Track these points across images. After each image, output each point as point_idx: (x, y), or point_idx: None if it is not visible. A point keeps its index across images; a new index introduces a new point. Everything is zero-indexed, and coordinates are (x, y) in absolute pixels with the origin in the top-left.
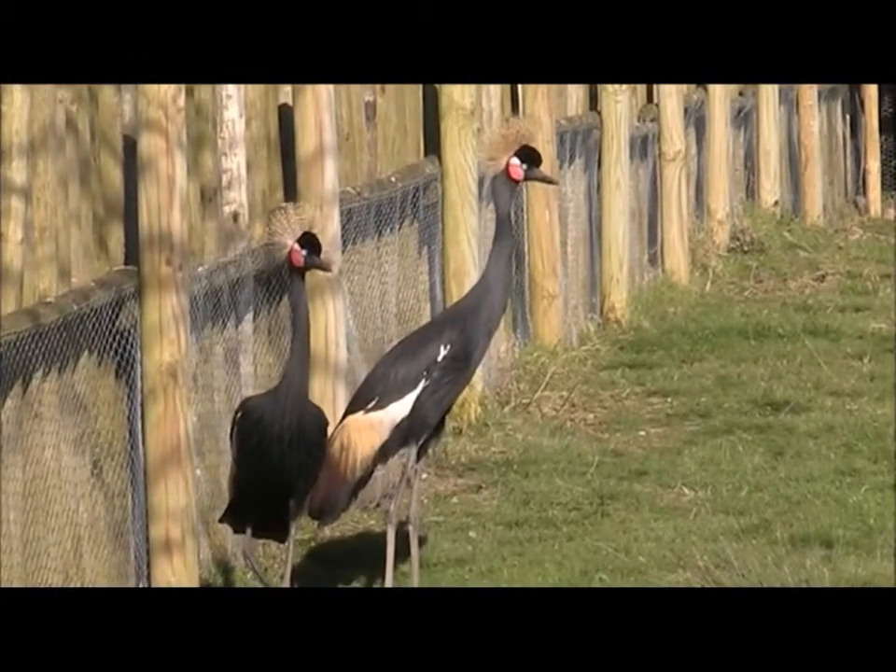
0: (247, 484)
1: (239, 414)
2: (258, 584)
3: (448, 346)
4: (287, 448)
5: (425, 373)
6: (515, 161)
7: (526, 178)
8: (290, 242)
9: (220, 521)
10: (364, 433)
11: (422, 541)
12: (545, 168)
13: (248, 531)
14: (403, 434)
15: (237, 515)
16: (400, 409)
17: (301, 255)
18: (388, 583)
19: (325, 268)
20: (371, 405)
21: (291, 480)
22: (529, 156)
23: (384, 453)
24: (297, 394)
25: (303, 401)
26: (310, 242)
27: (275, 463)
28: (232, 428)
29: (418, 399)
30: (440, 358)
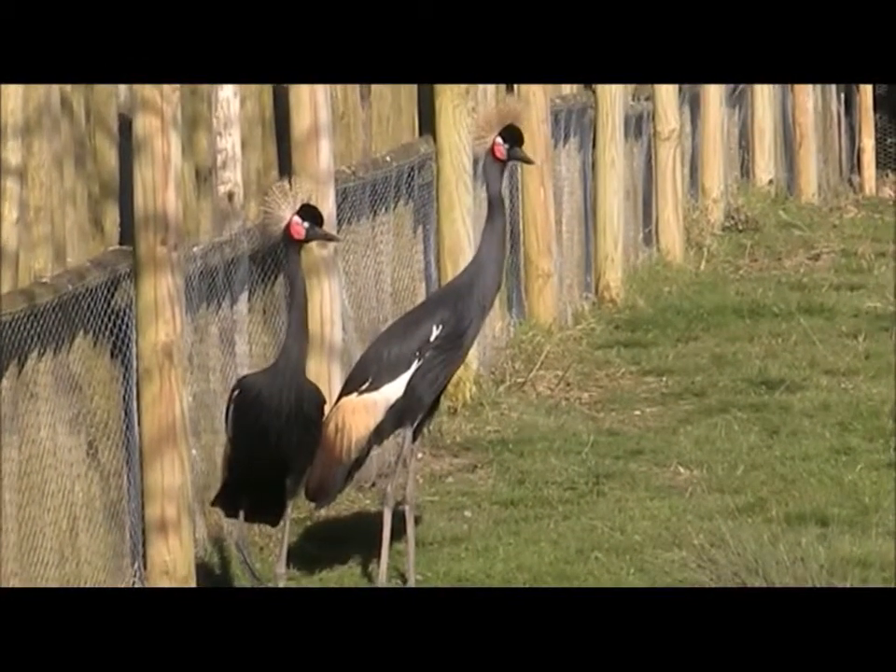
0: (243, 464)
1: (236, 392)
2: (248, 577)
3: (441, 326)
4: (286, 423)
5: (417, 354)
6: (499, 140)
7: (508, 158)
8: (289, 214)
9: (212, 504)
10: (358, 415)
11: (417, 521)
12: (539, 146)
13: (241, 515)
14: (398, 415)
15: (230, 498)
16: (394, 390)
17: (302, 227)
18: (384, 564)
19: (330, 238)
20: (364, 386)
21: (289, 456)
22: (511, 135)
23: (378, 434)
24: (295, 369)
25: (302, 377)
26: (311, 213)
27: (273, 439)
28: (228, 407)
29: (412, 379)
30: (432, 339)
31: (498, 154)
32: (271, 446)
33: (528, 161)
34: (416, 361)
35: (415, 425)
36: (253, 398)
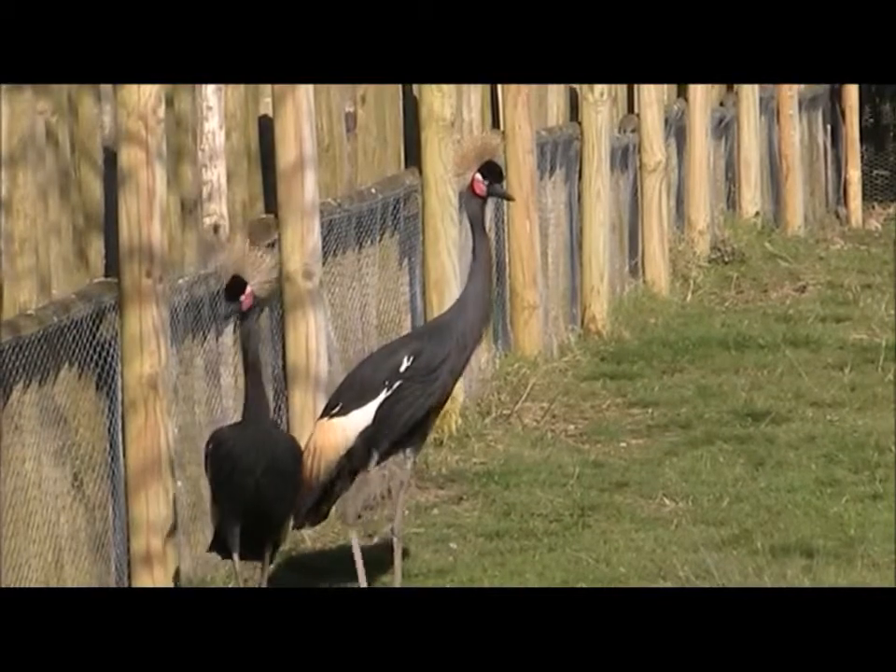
0: (227, 512)
1: (210, 446)
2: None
3: (411, 358)
4: (261, 479)
5: (387, 383)
6: (478, 176)
7: (488, 194)
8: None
9: (209, 551)
10: (328, 437)
11: (404, 552)
12: (524, 178)
13: (235, 557)
14: (367, 442)
15: (222, 543)
16: (363, 417)
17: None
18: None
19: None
20: (335, 410)
21: (268, 509)
22: (491, 171)
23: (350, 459)
24: (263, 427)
25: (272, 432)
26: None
27: (249, 493)
28: (206, 459)
29: (380, 408)
30: (402, 369)
31: (478, 190)
32: (247, 500)
33: (509, 198)
34: (385, 391)
35: (386, 453)
36: (225, 454)
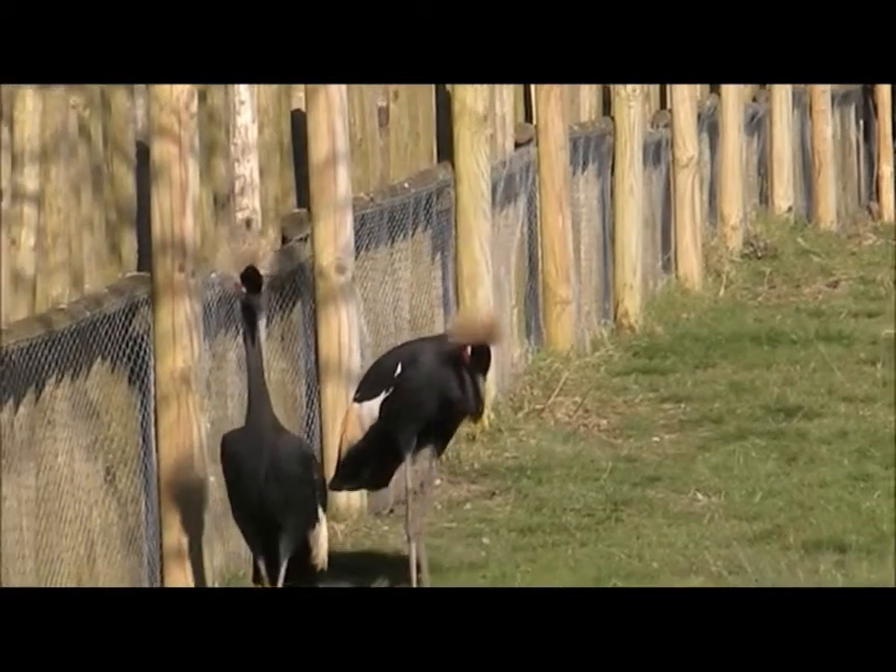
0: (241, 517)
1: (221, 447)
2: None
3: (402, 365)
4: (265, 484)
5: (387, 384)
6: (469, 350)
7: (469, 366)
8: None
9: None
10: (350, 420)
11: (435, 547)
12: (557, 174)
13: (260, 563)
14: (379, 433)
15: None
16: (372, 409)
17: (467, 360)
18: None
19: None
20: (357, 395)
21: (278, 514)
22: (478, 355)
23: (368, 443)
24: (266, 431)
25: (273, 438)
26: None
27: (256, 498)
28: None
29: (382, 405)
30: (395, 374)
31: (465, 358)
32: (256, 503)
33: (463, 400)
34: (384, 391)
35: (431, 455)
36: (231, 457)
